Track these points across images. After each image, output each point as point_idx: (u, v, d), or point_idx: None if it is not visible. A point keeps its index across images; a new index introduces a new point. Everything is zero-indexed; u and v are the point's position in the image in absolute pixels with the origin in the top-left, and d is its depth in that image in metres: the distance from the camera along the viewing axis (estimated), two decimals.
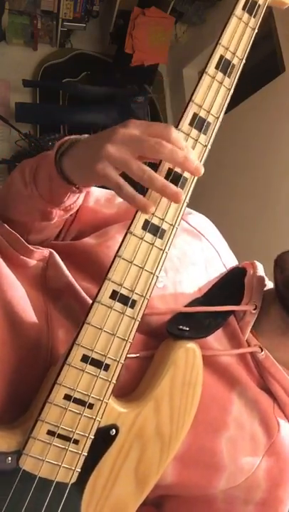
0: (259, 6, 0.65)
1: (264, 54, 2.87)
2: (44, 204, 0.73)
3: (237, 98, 2.84)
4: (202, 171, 0.60)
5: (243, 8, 0.64)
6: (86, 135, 0.69)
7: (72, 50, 3.53)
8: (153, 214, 0.60)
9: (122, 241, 0.59)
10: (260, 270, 0.80)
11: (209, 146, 0.62)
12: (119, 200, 0.89)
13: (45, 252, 0.74)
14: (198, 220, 0.88)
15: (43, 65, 3.42)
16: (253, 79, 2.76)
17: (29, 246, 0.72)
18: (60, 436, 0.59)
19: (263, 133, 2.69)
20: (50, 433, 0.59)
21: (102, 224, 0.84)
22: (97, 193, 0.88)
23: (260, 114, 2.72)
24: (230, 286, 0.78)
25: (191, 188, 0.62)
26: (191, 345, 0.66)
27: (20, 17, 3.28)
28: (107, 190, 0.89)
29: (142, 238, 0.59)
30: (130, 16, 3.20)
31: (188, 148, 0.60)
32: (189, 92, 2.93)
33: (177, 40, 3.66)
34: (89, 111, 3.13)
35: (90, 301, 0.60)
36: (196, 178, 0.61)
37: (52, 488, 0.60)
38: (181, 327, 0.67)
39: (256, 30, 0.65)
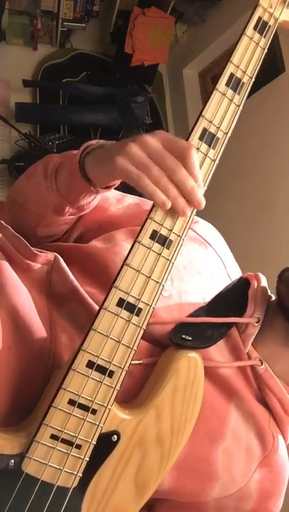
0: (269, 26, 0.67)
1: (264, 54, 2.86)
2: (59, 199, 0.74)
3: None
4: (203, 205, 0.61)
5: (254, 28, 0.66)
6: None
7: (72, 50, 3.52)
8: (162, 225, 0.61)
9: (130, 250, 0.60)
10: (264, 282, 0.80)
11: (217, 161, 0.64)
12: (129, 202, 0.90)
13: (50, 255, 0.74)
14: (205, 228, 0.88)
15: (43, 65, 3.40)
16: None
17: (33, 250, 0.73)
18: (64, 441, 0.60)
19: (263, 133, 2.68)
20: (54, 437, 0.59)
21: (107, 223, 0.85)
22: (107, 192, 0.89)
23: (259, 114, 2.71)
24: (234, 297, 0.78)
25: None
26: (193, 355, 0.66)
27: (20, 17, 3.27)
28: (117, 192, 0.90)
29: (149, 248, 0.60)
30: (130, 15, 3.19)
31: (199, 175, 0.61)
32: (189, 91, 2.91)
33: (177, 40, 3.65)
34: (89, 111, 3.13)
35: (96, 307, 0.61)
36: (204, 190, 0.62)
37: (54, 492, 0.60)
38: (183, 336, 0.68)
39: (266, 50, 0.67)
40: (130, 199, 0.91)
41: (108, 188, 0.73)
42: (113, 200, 0.89)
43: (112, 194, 0.89)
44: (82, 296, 0.70)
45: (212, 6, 3.36)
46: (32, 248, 0.73)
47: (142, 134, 0.62)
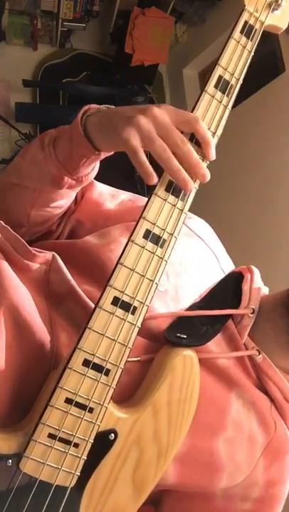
0: (256, 30, 0.69)
1: (264, 54, 2.86)
2: (58, 168, 0.74)
3: (237, 98, 2.84)
4: (208, 177, 0.63)
5: (241, 32, 0.68)
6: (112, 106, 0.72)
7: (72, 50, 3.51)
8: (154, 224, 0.62)
9: (124, 249, 0.61)
10: (257, 275, 0.81)
11: (207, 162, 0.65)
12: (123, 197, 0.91)
13: (48, 255, 0.74)
14: (198, 224, 0.89)
15: (43, 65, 3.40)
16: (253, 79, 2.75)
17: (32, 250, 0.73)
18: (61, 440, 0.60)
19: (263, 133, 2.68)
20: (51, 436, 0.59)
21: (102, 219, 0.86)
22: (101, 187, 0.90)
23: (259, 114, 2.71)
24: (227, 291, 0.79)
25: (191, 199, 0.64)
26: (189, 353, 0.67)
27: (20, 17, 3.27)
28: (111, 188, 0.91)
29: (143, 247, 0.61)
30: (130, 15, 3.19)
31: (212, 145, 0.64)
32: (189, 91, 2.91)
33: (177, 40, 3.65)
34: None
35: (93, 306, 0.61)
36: (195, 190, 0.64)
37: (52, 492, 0.60)
38: (178, 335, 0.68)
39: (252, 53, 0.69)
40: (124, 195, 0.92)
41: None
42: (108, 196, 0.90)
43: (107, 190, 0.90)
44: (79, 295, 0.70)
45: (212, 6, 3.35)
46: (31, 248, 0.73)
47: (149, 106, 0.63)
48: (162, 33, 3.29)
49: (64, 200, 0.82)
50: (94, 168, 0.78)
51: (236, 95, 0.68)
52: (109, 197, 0.90)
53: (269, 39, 2.82)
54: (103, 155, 0.73)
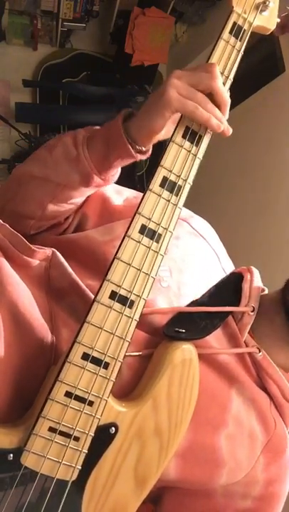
0: (244, 31, 0.71)
1: (264, 54, 2.86)
2: (90, 167, 0.76)
3: (237, 98, 2.84)
4: (230, 131, 0.69)
5: (230, 32, 0.70)
6: None
7: (72, 50, 3.52)
8: (150, 219, 0.63)
9: (120, 244, 0.62)
10: (257, 275, 0.82)
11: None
12: (127, 195, 0.92)
13: (48, 251, 0.75)
14: (200, 223, 0.90)
15: (43, 65, 3.41)
16: (253, 79, 2.75)
17: (32, 246, 0.73)
18: (61, 433, 0.60)
19: (263, 133, 2.68)
20: (52, 430, 0.60)
21: (107, 215, 0.86)
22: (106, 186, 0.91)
23: (260, 115, 2.71)
24: (228, 290, 0.80)
25: (185, 195, 0.65)
26: (188, 346, 0.67)
27: (20, 17, 3.27)
28: (114, 184, 0.92)
29: (139, 242, 0.63)
30: (130, 15, 3.19)
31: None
32: None
33: (177, 40, 3.65)
34: (89, 111, 3.13)
35: None
36: (189, 186, 0.65)
37: (53, 485, 0.60)
38: (177, 329, 0.69)
39: (242, 52, 0.71)
40: (127, 192, 0.93)
41: (144, 153, 0.76)
42: (112, 192, 0.91)
43: (111, 187, 0.91)
44: (82, 290, 0.71)
45: (212, 6, 3.35)
46: (30, 245, 0.74)
47: (171, 74, 0.67)
48: (162, 33, 3.29)
49: (82, 197, 0.83)
50: (118, 170, 0.81)
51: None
52: (114, 193, 0.91)
53: (269, 39, 2.82)
54: (139, 156, 0.75)
